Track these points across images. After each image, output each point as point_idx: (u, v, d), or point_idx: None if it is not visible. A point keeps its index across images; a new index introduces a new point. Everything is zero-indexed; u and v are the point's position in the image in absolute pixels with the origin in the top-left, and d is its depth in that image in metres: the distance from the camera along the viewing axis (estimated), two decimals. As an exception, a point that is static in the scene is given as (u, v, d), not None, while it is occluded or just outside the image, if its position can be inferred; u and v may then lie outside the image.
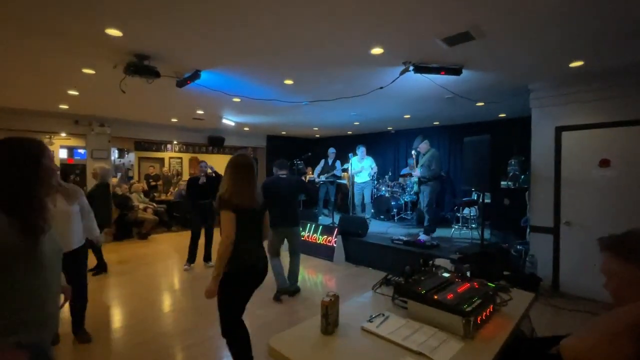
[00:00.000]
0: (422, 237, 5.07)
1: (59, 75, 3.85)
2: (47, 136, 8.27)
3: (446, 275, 1.72)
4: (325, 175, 7.17)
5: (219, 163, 10.37)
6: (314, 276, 4.81)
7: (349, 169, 6.64)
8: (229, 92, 4.44)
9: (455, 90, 4.19)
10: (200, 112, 6.13)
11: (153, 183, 9.21)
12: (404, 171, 6.99)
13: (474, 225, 5.84)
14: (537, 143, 4.14)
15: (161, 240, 6.97)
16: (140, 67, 3.16)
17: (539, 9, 2.23)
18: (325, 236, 5.59)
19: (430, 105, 5.34)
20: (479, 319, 1.36)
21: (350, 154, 6.64)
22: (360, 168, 6.66)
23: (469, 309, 1.33)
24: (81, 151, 8.81)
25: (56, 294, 1.25)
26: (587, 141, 3.77)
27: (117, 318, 3.39)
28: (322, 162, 7.46)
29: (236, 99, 4.88)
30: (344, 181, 7.51)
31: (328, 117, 6.57)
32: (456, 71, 3.37)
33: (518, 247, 4.47)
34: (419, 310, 1.44)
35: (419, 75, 3.38)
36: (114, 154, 9.31)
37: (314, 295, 4.00)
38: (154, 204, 7.88)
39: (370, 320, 1.42)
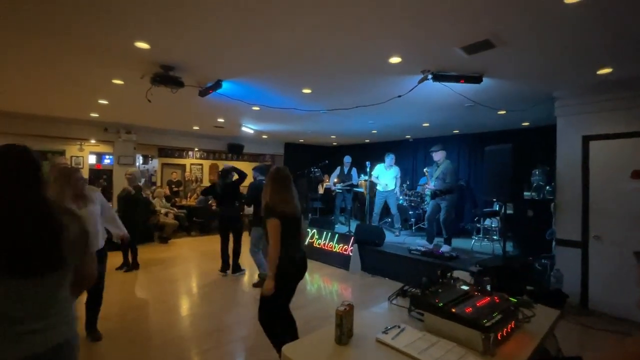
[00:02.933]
0: (444, 248, 4.93)
1: (91, 86, 4.07)
2: (78, 142, 8.73)
3: (465, 288, 1.67)
4: (342, 183, 7.16)
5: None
6: (329, 285, 4.77)
7: (374, 176, 6.56)
8: (248, 101, 4.54)
9: (476, 98, 4.12)
10: (220, 120, 6.30)
11: (175, 189, 9.48)
12: (423, 180, 6.81)
13: (495, 237, 5.65)
14: (563, 152, 3.99)
15: (181, 245, 7.14)
16: (166, 77, 3.30)
17: (563, 15, 2.18)
18: (341, 244, 5.55)
19: (450, 114, 5.26)
20: (499, 334, 1.32)
21: (367, 162, 6.59)
22: (385, 177, 6.55)
23: (488, 324, 1.28)
24: (108, 158, 9.22)
25: None
26: (617, 151, 3.60)
27: (137, 319, 3.48)
28: (338, 169, 7.45)
29: (255, 108, 4.99)
30: (361, 189, 7.46)
31: (345, 125, 6.58)
32: (476, 79, 3.32)
33: (542, 260, 4.28)
34: (436, 324, 1.40)
35: (438, 83, 3.35)
36: (139, 160, 9.67)
37: (328, 304, 3.97)
38: (175, 209, 8.10)
39: (385, 332, 1.39)
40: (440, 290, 1.60)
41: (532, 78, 3.47)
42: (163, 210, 7.59)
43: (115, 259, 4.78)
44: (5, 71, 3.56)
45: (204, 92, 3.83)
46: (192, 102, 4.61)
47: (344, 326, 1.33)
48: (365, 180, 6.91)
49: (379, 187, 6.57)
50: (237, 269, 4.96)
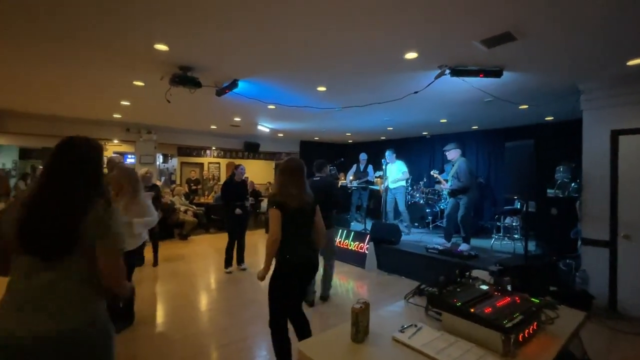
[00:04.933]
0: (462, 246, 4.82)
1: (113, 88, 4.22)
2: (102, 142, 9.06)
3: (484, 288, 1.64)
4: (358, 180, 7.12)
5: (255, 168, 10.77)
6: (344, 282, 4.77)
7: (383, 174, 6.52)
8: (264, 100, 4.58)
9: (496, 93, 4.00)
10: (237, 119, 6.38)
11: (194, 187, 9.71)
12: (434, 171, 6.35)
13: (516, 236, 5.48)
14: (589, 148, 3.82)
15: (200, 242, 7.30)
16: (184, 78, 3.38)
17: (591, 3, 2.08)
18: (357, 242, 5.53)
19: (468, 109, 5.13)
20: (520, 336, 1.28)
21: (383, 160, 6.54)
22: (391, 174, 6.48)
23: (509, 324, 1.25)
24: (131, 157, 9.52)
25: None
26: (649, 146, 3.41)
27: (158, 313, 3.59)
28: (354, 167, 7.42)
29: (271, 106, 5.03)
30: (377, 187, 7.40)
31: (361, 122, 6.54)
32: (496, 73, 3.22)
33: (567, 260, 4.12)
34: (454, 324, 1.38)
35: (455, 78, 3.27)
36: (159, 159, 9.95)
37: (344, 301, 3.97)
38: (194, 207, 8.29)
39: (401, 331, 1.38)
40: (458, 290, 1.57)
41: (556, 71, 3.33)
42: (182, 208, 7.78)
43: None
44: (35, 76, 3.73)
45: (220, 92, 3.89)
46: (209, 101, 4.69)
47: (359, 324, 1.32)
48: (381, 177, 6.85)
49: (387, 184, 6.50)
50: (242, 260, 5.19)
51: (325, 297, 3.91)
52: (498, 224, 5.84)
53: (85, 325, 1.17)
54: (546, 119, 5.84)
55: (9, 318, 1.11)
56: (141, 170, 4.59)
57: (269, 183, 10.94)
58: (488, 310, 1.36)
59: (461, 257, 4.48)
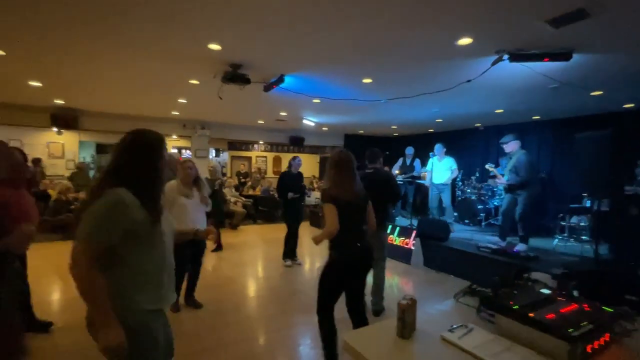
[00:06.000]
0: (519, 246, 4.45)
1: (172, 87, 4.56)
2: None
3: (546, 292, 1.50)
4: (404, 175, 6.91)
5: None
6: (389, 277, 4.69)
7: (429, 169, 6.24)
8: (309, 94, 4.63)
9: (563, 78, 3.60)
10: (283, 113, 6.54)
11: (243, 180, 10.19)
12: (490, 165, 5.65)
13: (584, 237, 4.94)
14: (681, 139, 3.28)
15: (249, 231, 7.67)
16: (234, 75, 3.54)
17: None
18: (403, 238, 5.40)
19: (529, 97, 4.70)
20: (589, 347, 1.15)
21: (431, 153, 6.26)
22: (438, 169, 6.16)
23: (575, 333, 1.13)
24: (187, 151, 10.26)
25: (170, 267, 1.44)
26: None
27: (215, 297, 3.84)
28: (400, 161, 7.20)
29: (316, 100, 5.07)
30: (424, 181, 7.13)
31: (408, 114, 6.32)
32: (564, 56, 2.89)
33: (649, 267, 3.61)
34: (510, 328, 1.29)
35: (515, 64, 3.00)
36: (212, 153, 10.58)
37: (389, 296, 3.90)
38: (243, 198, 8.72)
39: (451, 330, 1.33)
40: (515, 292, 1.46)
41: (638, 51, 2.90)
42: (232, 199, 8.21)
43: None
44: (104, 79, 4.18)
45: (268, 87, 4.01)
46: (257, 97, 4.86)
47: (406, 320, 1.30)
48: (426, 172, 6.57)
49: (434, 180, 6.19)
50: (295, 255, 5.10)
51: (378, 311, 3.32)
52: (562, 223, 5.30)
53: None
54: (624, 106, 5.13)
55: None
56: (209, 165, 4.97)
57: (314, 176, 11.08)
58: (550, 316, 1.25)
59: (518, 258, 4.15)
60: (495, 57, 3.01)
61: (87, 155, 9.89)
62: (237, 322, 3.19)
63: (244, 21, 2.49)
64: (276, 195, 7.64)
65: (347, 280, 2.26)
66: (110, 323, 1.20)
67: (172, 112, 6.65)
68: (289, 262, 4.97)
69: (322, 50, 3.04)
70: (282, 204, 5.01)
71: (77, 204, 6.34)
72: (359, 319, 2.33)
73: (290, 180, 4.84)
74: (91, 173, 9.73)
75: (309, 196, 5.17)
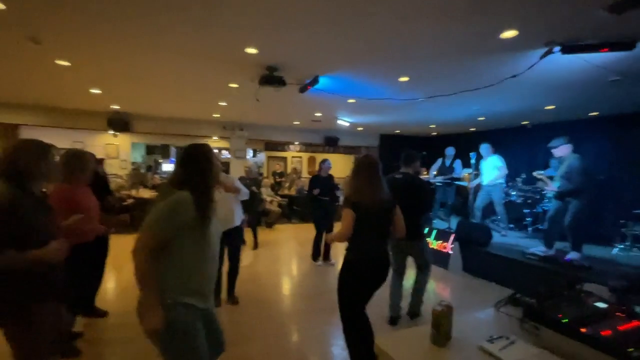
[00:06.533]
0: (572, 254, 4.07)
1: (213, 91, 4.79)
2: (204, 139, 10.40)
3: (601, 305, 1.37)
4: (442, 176, 6.64)
5: (334, 162, 10.91)
6: (425, 282, 4.54)
7: (473, 170, 5.93)
8: (344, 94, 4.62)
9: (626, 70, 3.25)
10: (318, 114, 6.59)
11: (278, 179, 10.42)
12: (538, 172, 5.27)
13: (651, 247, 4.42)
14: None
15: (283, 230, 7.83)
16: (271, 77, 3.63)
17: None
18: (440, 241, 5.20)
19: (585, 92, 4.30)
20: (652, 370, 1.03)
21: (472, 154, 5.94)
22: (486, 169, 5.85)
23: (637, 354, 1.02)
24: (225, 152, 10.71)
25: (215, 267, 1.58)
26: None
27: (250, 291, 3.97)
28: (439, 161, 6.91)
29: (351, 100, 5.04)
30: (465, 183, 6.79)
31: (446, 113, 6.08)
32: (627, 45, 2.61)
33: None
34: (558, 342, 1.19)
35: (567, 56, 2.76)
36: (249, 154, 10.94)
37: (424, 302, 3.78)
38: (279, 198, 8.91)
39: (490, 341, 1.25)
40: (564, 304, 1.35)
41: None
42: (268, 199, 8.43)
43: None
44: (153, 86, 4.48)
45: (303, 89, 4.07)
46: (292, 98, 4.95)
47: (441, 327, 1.25)
48: (469, 174, 6.24)
49: (482, 181, 5.86)
50: (329, 256, 5.15)
51: (414, 314, 3.27)
52: (623, 230, 4.79)
53: None
54: None
55: None
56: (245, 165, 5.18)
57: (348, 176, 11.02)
58: (606, 332, 1.13)
59: (569, 267, 3.82)
60: (545, 49, 2.79)
61: (138, 156, 10.69)
62: (270, 317, 3.28)
63: (279, 24, 2.55)
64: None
65: (364, 286, 2.21)
66: (155, 308, 1.34)
67: (213, 115, 6.98)
68: (319, 263, 5.04)
69: (357, 49, 3.02)
70: (312, 207, 5.11)
71: (130, 201, 6.89)
72: (360, 326, 2.26)
73: (320, 183, 4.94)
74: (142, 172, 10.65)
75: (339, 196, 5.16)
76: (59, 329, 1.71)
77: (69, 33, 2.79)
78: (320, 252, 5.08)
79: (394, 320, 3.20)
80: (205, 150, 1.57)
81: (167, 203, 1.40)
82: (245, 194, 3.34)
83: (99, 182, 3.26)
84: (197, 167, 1.51)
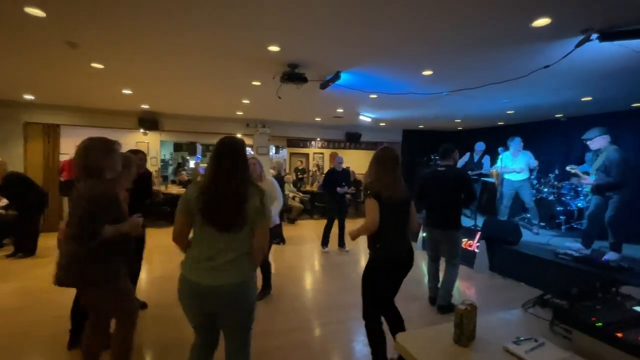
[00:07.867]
0: (610, 255, 3.85)
1: (237, 89, 4.88)
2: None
3: (640, 309, 1.29)
4: (470, 172, 6.43)
5: (355, 158, 10.93)
6: (449, 281, 4.44)
7: (499, 167, 5.70)
8: (366, 89, 4.57)
9: (674, 56, 3.00)
10: (339, 110, 6.56)
11: (300, 176, 10.51)
12: (572, 167, 5.02)
13: (701, 248, 4.08)
14: None
15: (305, 226, 7.90)
16: (292, 75, 3.65)
17: None
18: (466, 239, 5.05)
19: (626, 82, 4.01)
20: (697, 380, 0.97)
21: (500, 149, 5.71)
22: (513, 165, 5.59)
23: (678, 362, 0.96)
24: (249, 148, 10.93)
25: (209, 251, 1.71)
26: None
27: (273, 286, 4.05)
28: (467, 156, 6.68)
29: (373, 96, 4.98)
30: (492, 179, 6.55)
31: (473, 106, 5.86)
32: (675, 30, 2.40)
33: None
34: (591, 347, 1.14)
35: (606, 43, 2.59)
36: (272, 150, 11.09)
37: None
38: (301, 194, 8.99)
39: (517, 343, 1.22)
40: (598, 307, 1.28)
41: None
42: (291, 195, 8.52)
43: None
44: (181, 86, 4.64)
45: (324, 85, 4.06)
46: (314, 95, 4.95)
47: (464, 327, 1.23)
48: (497, 170, 6.00)
49: (507, 177, 5.61)
50: (344, 244, 5.65)
51: (443, 307, 3.34)
52: (669, 230, 4.44)
53: (244, 281, 1.60)
54: None
55: (192, 272, 1.59)
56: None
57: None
58: (645, 338, 1.07)
59: (606, 268, 3.61)
60: (580, 37, 2.63)
61: (167, 153, 11.13)
62: (292, 311, 3.33)
63: (301, 20, 2.55)
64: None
65: (389, 281, 2.21)
66: None
67: (237, 112, 7.12)
68: (326, 249, 5.53)
69: (380, 42, 2.97)
70: (327, 197, 5.70)
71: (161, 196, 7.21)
72: (394, 316, 2.32)
73: (336, 177, 5.51)
74: (170, 169, 11.02)
75: (348, 192, 5.70)
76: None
77: (102, 38, 2.94)
78: (328, 240, 5.53)
79: (432, 300, 3.52)
80: (241, 142, 1.72)
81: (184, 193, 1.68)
82: (280, 203, 3.52)
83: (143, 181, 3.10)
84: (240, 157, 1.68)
